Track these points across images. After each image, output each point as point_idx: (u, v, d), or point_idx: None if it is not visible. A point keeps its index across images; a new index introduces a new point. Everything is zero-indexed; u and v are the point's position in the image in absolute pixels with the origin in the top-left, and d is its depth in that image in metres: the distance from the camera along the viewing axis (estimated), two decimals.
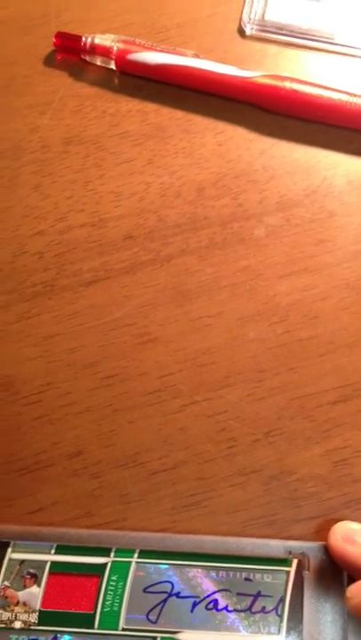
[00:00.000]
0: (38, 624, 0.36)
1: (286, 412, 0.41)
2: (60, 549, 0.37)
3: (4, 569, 0.37)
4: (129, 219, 0.44)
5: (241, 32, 0.48)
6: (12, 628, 0.36)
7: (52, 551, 0.37)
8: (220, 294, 0.43)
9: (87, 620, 0.36)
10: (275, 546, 0.37)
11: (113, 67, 0.47)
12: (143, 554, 0.37)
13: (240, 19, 0.48)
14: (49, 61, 0.48)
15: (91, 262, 0.43)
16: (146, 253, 0.43)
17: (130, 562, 0.37)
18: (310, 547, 0.37)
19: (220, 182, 0.45)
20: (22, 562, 0.37)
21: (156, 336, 0.42)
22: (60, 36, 0.47)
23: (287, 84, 0.44)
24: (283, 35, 0.47)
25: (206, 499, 0.40)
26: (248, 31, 0.47)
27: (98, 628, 0.35)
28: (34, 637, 0.35)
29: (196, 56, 0.46)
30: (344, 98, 0.44)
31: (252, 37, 0.47)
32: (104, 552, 0.37)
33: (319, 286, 0.43)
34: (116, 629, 0.35)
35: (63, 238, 0.44)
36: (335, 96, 0.44)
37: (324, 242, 0.43)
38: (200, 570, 0.37)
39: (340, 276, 0.43)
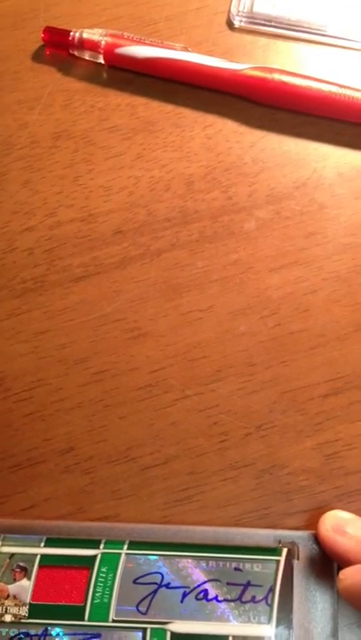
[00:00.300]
0: (29, 617, 0.36)
1: (278, 406, 0.40)
2: (50, 542, 0.37)
3: None
4: (118, 213, 0.44)
5: (230, 24, 0.47)
6: (3, 622, 0.36)
7: (42, 544, 0.37)
8: (210, 288, 0.42)
9: (77, 613, 0.36)
10: (264, 535, 0.37)
11: (102, 61, 0.47)
12: (133, 545, 0.37)
13: (229, 11, 0.47)
14: (37, 56, 0.48)
15: (81, 257, 0.43)
16: (136, 248, 0.43)
17: (119, 553, 0.37)
18: (300, 536, 0.37)
19: (209, 175, 0.45)
20: (12, 555, 0.37)
21: (147, 331, 0.42)
22: (49, 30, 0.47)
23: (276, 76, 0.44)
24: (272, 26, 0.47)
25: (198, 493, 0.39)
26: (237, 23, 0.47)
27: (88, 620, 0.35)
28: (24, 631, 0.35)
29: (185, 49, 0.46)
30: (333, 89, 0.44)
31: (241, 29, 0.47)
32: (93, 544, 0.37)
33: (310, 279, 0.42)
34: (107, 621, 0.35)
35: (53, 234, 0.44)
36: (324, 88, 0.44)
37: (315, 234, 0.43)
38: (190, 560, 0.37)
39: (331, 269, 0.42)
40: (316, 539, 0.37)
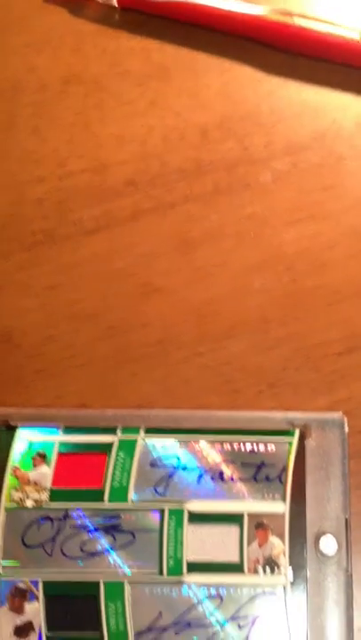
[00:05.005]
0: (50, 502, 0.37)
1: (291, 363, 0.40)
2: (68, 430, 0.38)
3: (13, 451, 0.38)
4: (131, 164, 0.43)
5: None
6: (25, 507, 0.37)
7: (61, 432, 0.38)
8: (224, 242, 0.42)
9: (97, 496, 0.37)
10: (278, 418, 0.38)
11: (114, 2, 0.45)
12: (149, 431, 0.38)
13: None
14: None
15: (92, 210, 0.42)
16: (148, 200, 0.42)
17: (136, 439, 0.37)
18: (312, 417, 0.38)
19: (225, 125, 0.43)
20: (31, 443, 0.38)
21: (160, 286, 0.41)
22: None
23: (296, 21, 0.42)
24: None
25: None
26: None
27: (108, 503, 0.36)
28: (46, 515, 0.36)
29: None
30: (356, 36, 0.42)
31: None
32: (110, 431, 0.38)
33: (327, 234, 0.41)
34: (126, 502, 0.36)
35: (63, 185, 0.43)
36: (347, 34, 0.42)
37: (333, 187, 0.42)
38: (205, 443, 0.38)
39: (349, 223, 0.41)
40: (328, 420, 0.38)
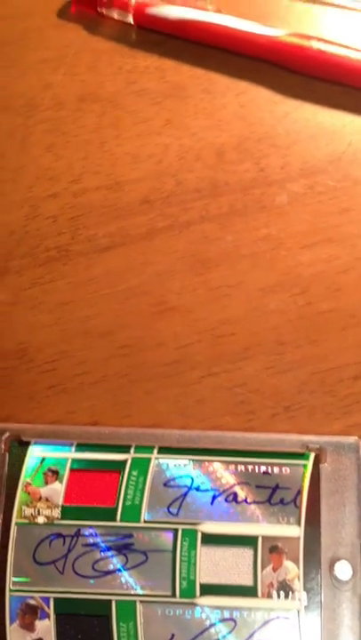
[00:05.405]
0: (61, 519, 0.36)
1: (307, 387, 0.40)
2: (81, 447, 0.38)
3: (25, 467, 0.37)
4: (146, 182, 0.43)
5: None
6: (36, 524, 0.36)
7: (73, 449, 0.37)
8: (240, 263, 0.41)
9: (109, 514, 0.36)
10: (292, 441, 0.38)
11: (131, 21, 0.45)
12: (162, 450, 0.37)
13: None
14: (63, 14, 0.46)
15: (106, 227, 0.42)
16: (163, 219, 0.42)
17: (149, 458, 0.37)
18: (327, 441, 0.38)
19: (241, 146, 0.43)
20: (43, 459, 0.37)
21: (174, 305, 0.41)
22: None
23: (314, 44, 0.43)
24: None
25: None
26: None
27: (120, 522, 0.36)
28: (57, 532, 0.36)
29: (219, 11, 0.44)
30: None
31: None
32: (124, 449, 0.37)
33: (343, 257, 0.41)
34: (138, 522, 0.36)
35: (78, 201, 0.42)
36: None
37: (349, 211, 0.42)
38: (219, 464, 0.37)
39: None
40: (344, 444, 0.37)
